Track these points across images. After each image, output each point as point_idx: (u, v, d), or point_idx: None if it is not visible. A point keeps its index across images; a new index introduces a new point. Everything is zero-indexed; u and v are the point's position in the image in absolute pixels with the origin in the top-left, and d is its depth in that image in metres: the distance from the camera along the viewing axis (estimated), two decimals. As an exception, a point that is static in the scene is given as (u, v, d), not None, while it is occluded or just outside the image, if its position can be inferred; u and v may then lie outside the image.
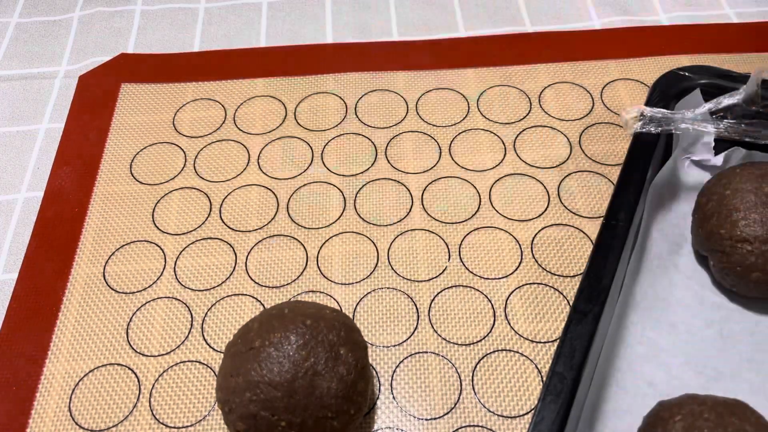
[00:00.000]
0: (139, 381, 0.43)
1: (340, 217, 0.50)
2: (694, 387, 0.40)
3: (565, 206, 0.50)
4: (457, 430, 0.41)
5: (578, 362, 0.37)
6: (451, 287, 0.46)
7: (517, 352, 0.43)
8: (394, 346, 0.44)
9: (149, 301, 0.47)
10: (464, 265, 0.47)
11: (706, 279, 0.46)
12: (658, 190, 0.48)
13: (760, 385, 0.41)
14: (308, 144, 0.55)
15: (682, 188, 0.50)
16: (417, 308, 0.46)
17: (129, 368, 0.44)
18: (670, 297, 0.45)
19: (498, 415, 0.41)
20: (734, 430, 0.34)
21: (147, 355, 0.44)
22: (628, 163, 0.47)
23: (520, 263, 0.47)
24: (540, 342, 0.44)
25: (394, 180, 0.52)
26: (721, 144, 0.49)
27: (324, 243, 0.49)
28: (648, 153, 0.47)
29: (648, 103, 0.50)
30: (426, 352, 0.44)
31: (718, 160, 0.50)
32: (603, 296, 0.40)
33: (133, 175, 0.54)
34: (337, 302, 0.46)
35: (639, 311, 0.44)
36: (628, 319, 0.44)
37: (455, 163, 0.53)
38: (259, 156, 0.55)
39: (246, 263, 0.48)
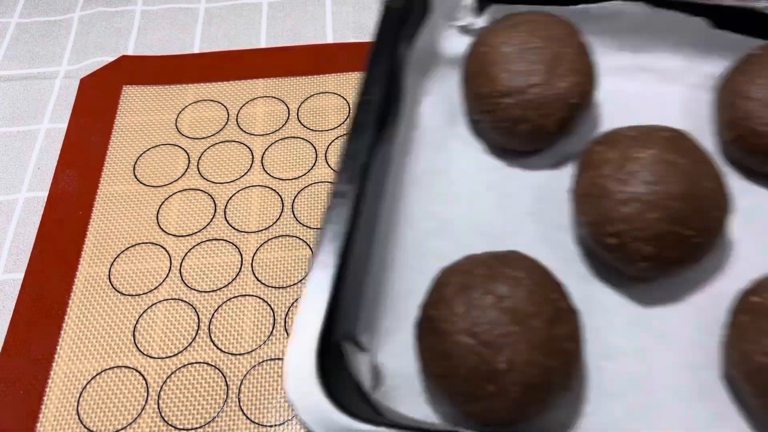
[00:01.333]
0: (146, 383, 0.43)
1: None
2: (479, 249, 0.39)
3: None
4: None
5: (341, 245, 0.35)
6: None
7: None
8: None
9: (155, 303, 0.47)
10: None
11: (484, 144, 0.46)
12: (422, 62, 0.46)
13: (541, 234, 0.42)
14: (312, 144, 0.55)
15: (452, 58, 0.48)
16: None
17: (136, 370, 0.44)
18: (450, 168, 0.45)
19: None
20: (504, 278, 0.34)
21: (154, 357, 0.44)
22: (379, 34, 0.44)
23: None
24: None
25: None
26: (485, 3, 0.48)
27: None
28: (398, 21, 0.45)
29: None
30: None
31: (483, 21, 0.49)
32: (362, 174, 0.38)
33: (136, 177, 0.54)
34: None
35: (419, 187, 0.44)
36: (411, 196, 0.43)
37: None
38: (263, 157, 0.54)
39: (252, 264, 0.48)
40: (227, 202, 0.52)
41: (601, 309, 0.40)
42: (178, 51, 0.63)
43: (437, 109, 0.47)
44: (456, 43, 0.49)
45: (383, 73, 0.41)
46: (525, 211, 0.44)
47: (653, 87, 0.48)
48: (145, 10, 0.67)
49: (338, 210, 0.36)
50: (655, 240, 0.37)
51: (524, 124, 0.42)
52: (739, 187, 0.44)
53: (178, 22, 0.66)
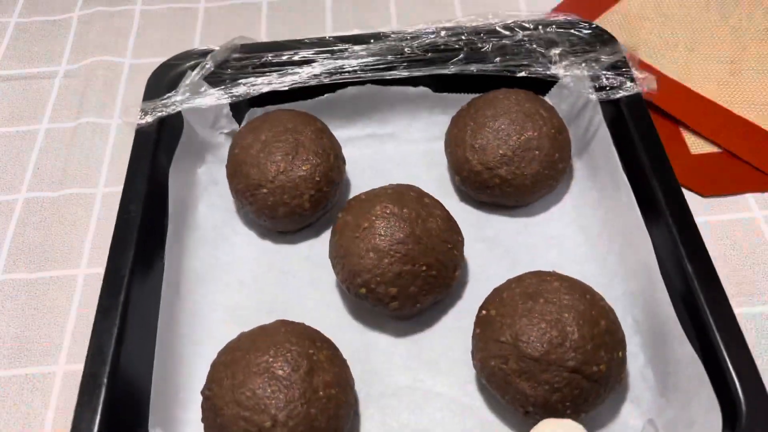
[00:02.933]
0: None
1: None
2: (262, 321, 0.43)
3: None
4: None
5: (110, 355, 0.39)
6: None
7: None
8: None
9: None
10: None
11: (258, 231, 0.51)
12: (188, 172, 0.52)
13: (319, 299, 0.48)
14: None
15: (223, 161, 0.53)
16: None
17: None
18: (233, 258, 0.50)
19: None
20: (264, 346, 0.39)
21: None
22: (133, 155, 0.49)
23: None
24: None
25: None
26: (239, 108, 0.54)
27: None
28: (150, 143, 0.49)
29: (145, 99, 0.52)
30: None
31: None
32: (127, 287, 0.42)
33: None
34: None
35: (206, 282, 0.48)
36: (197, 292, 0.48)
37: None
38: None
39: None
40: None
41: (379, 353, 0.45)
42: (177, 50, 0.60)
43: (214, 209, 0.53)
44: (225, 148, 0.55)
45: (140, 190, 0.46)
46: (304, 282, 0.49)
47: (399, 148, 0.56)
48: (144, 9, 0.68)
49: (103, 324, 0.40)
50: (395, 280, 0.43)
51: (282, 207, 0.48)
52: (481, 219, 0.51)
53: (178, 21, 0.66)
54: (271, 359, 0.39)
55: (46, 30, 0.67)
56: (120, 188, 0.51)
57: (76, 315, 0.48)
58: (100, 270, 0.47)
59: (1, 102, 0.61)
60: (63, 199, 0.54)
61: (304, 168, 0.48)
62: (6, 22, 0.68)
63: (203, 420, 0.40)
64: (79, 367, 0.42)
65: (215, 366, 0.40)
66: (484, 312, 0.42)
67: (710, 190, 0.52)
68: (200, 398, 0.41)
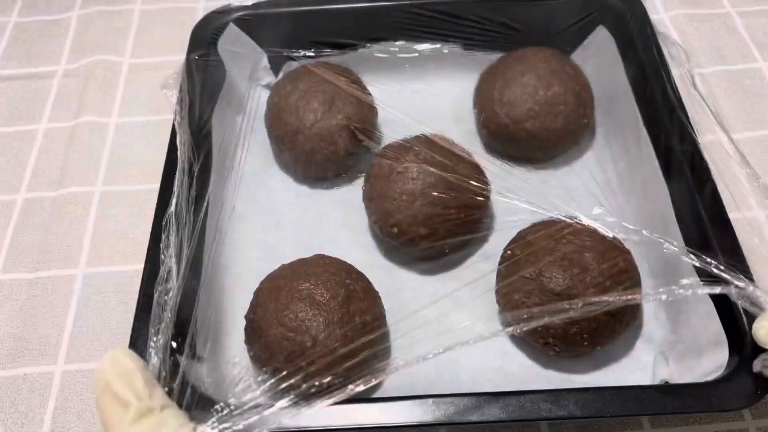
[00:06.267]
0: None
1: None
2: (299, 257, 0.46)
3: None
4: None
5: (162, 284, 0.41)
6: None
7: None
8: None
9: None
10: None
11: (294, 176, 0.54)
12: (226, 119, 0.54)
13: (352, 240, 0.51)
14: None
15: (259, 113, 0.56)
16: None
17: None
18: (272, 201, 0.53)
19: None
20: (305, 275, 0.42)
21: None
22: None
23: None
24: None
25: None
26: (276, 61, 0.57)
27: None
28: (196, 89, 0.51)
29: (190, 50, 0.54)
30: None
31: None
32: (176, 221, 0.44)
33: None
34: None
35: (245, 222, 0.52)
36: (237, 231, 0.51)
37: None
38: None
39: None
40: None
41: (407, 290, 0.48)
42: (177, 50, 0.61)
43: (253, 155, 0.56)
44: (263, 99, 0.58)
45: (185, 135, 0.48)
46: (338, 224, 0.52)
47: (429, 103, 0.58)
48: (144, 9, 0.68)
49: (155, 251, 0.43)
50: (425, 222, 0.46)
51: (318, 153, 0.51)
52: (505, 171, 0.53)
53: (178, 21, 0.66)
54: (312, 287, 0.42)
55: (45, 29, 0.66)
56: (118, 188, 0.55)
57: (75, 315, 0.48)
58: (100, 269, 0.50)
59: (0, 102, 0.61)
60: (62, 199, 0.54)
61: (339, 117, 0.51)
62: (5, 21, 0.67)
63: (246, 342, 0.43)
64: (78, 366, 0.46)
65: (259, 292, 0.43)
66: (509, 251, 0.45)
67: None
68: (240, 325, 0.44)
